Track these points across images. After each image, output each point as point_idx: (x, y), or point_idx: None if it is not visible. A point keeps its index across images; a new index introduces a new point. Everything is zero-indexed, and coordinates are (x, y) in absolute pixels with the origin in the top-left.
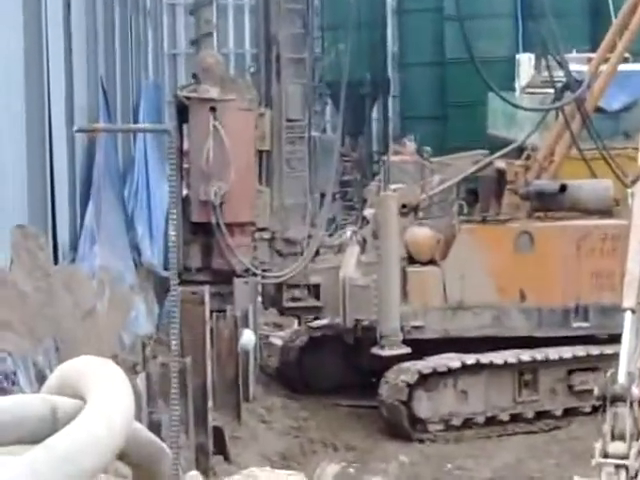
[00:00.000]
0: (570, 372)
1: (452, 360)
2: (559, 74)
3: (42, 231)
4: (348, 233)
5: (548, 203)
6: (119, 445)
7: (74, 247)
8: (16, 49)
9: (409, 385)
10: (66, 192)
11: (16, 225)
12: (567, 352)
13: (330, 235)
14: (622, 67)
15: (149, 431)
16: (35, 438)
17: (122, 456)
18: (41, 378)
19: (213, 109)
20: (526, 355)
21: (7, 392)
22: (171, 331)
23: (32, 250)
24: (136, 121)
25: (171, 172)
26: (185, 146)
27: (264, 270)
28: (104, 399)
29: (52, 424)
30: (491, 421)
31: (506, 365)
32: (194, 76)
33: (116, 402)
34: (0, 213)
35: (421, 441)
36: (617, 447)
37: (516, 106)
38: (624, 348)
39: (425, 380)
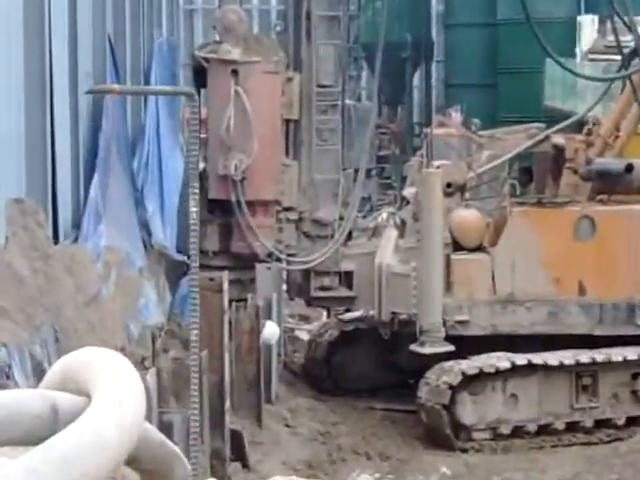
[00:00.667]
0: (635, 376)
1: (501, 360)
2: (626, 38)
3: (41, 206)
4: (385, 215)
5: (612, 184)
6: (128, 448)
7: (77, 225)
8: (14, 3)
9: (452, 387)
10: (68, 163)
11: (12, 199)
12: (632, 353)
13: (364, 217)
14: None
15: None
16: (33, 439)
17: (131, 460)
18: (39, 372)
19: (235, 72)
20: (585, 356)
21: (1, 387)
22: (192, 321)
23: (30, 227)
24: (148, 84)
25: (193, 140)
26: (202, 114)
27: (290, 255)
28: (112, 395)
29: (52, 423)
30: (544, 430)
31: (562, 367)
32: (214, 29)
33: (125, 399)
34: None
35: (465, 451)
36: None
37: (577, 74)
38: None
39: (470, 382)
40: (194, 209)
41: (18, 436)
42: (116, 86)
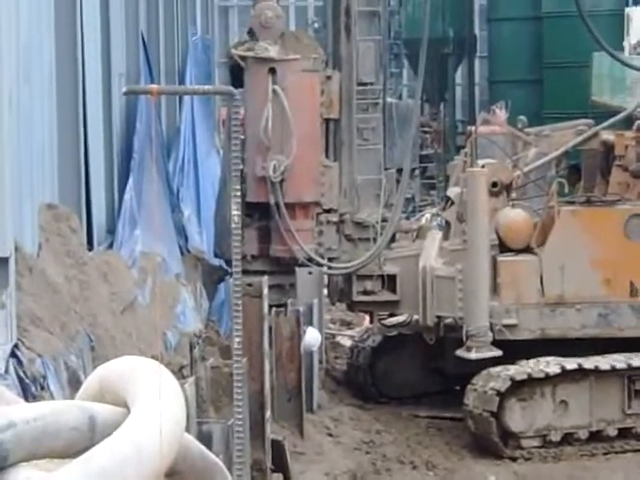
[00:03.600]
0: None
1: (550, 365)
2: None
3: (75, 212)
4: (429, 216)
5: None
6: (168, 460)
7: (111, 230)
8: (45, 2)
9: (500, 394)
10: (102, 167)
11: (45, 204)
12: None
13: (407, 218)
14: None
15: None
16: (71, 451)
17: (171, 473)
18: (75, 382)
19: (272, 70)
20: (637, 360)
21: (36, 398)
22: (234, 328)
23: (63, 234)
24: (182, 83)
25: (235, 141)
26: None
27: (331, 259)
28: (151, 407)
29: (90, 435)
30: (596, 436)
31: (614, 371)
32: (250, 32)
33: (165, 410)
34: (27, 190)
35: (514, 459)
36: None
37: (629, 65)
38: None
39: (518, 388)
40: (236, 212)
41: (56, 448)
42: (154, 86)
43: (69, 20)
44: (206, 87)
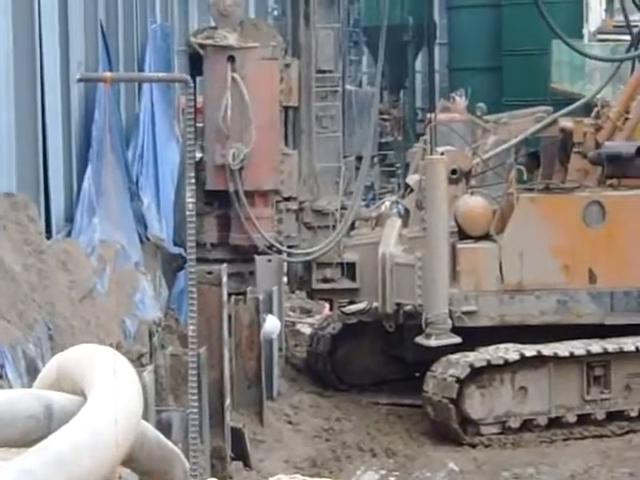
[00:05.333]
0: None
1: (509, 352)
2: (636, 17)
3: (33, 200)
4: (388, 203)
5: (622, 168)
6: (125, 448)
7: (70, 219)
8: None
9: (459, 380)
10: (60, 155)
11: (3, 193)
12: None
13: (367, 205)
14: None
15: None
16: (28, 440)
17: (129, 461)
18: (33, 370)
19: (231, 58)
20: (596, 346)
21: None
22: (189, 317)
23: (21, 222)
24: (141, 71)
25: (188, 129)
26: (199, 102)
27: (290, 246)
28: (108, 395)
29: (47, 423)
30: (555, 423)
31: (573, 358)
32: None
33: (122, 398)
34: None
35: (473, 446)
36: None
37: (586, 54)
38: None
39: (478, 375)
40: (190, 200)
41: (13, 437)
42: (108, 74)
43: (26, 8)
44: (161, 75)
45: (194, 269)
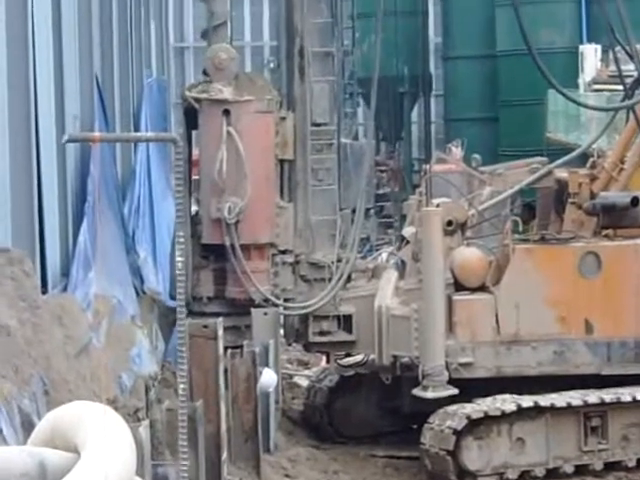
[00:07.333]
0: None
1: (506, 402)
2: (629, 68)
3: (28, 254)
4: (385, 255)
5: (618, 219)
6: None
7: (65, 273)
8: None
9: (456, 432)
10: (56, 209)
11: None
12: None
13: (363, 257)
14: None
15: None
16: None
17: None
18: (28, 426)
19: (227, 112)
20: (593, 396)
21: None
22: (178, 371)
23: (16, 277)
24: (137, 126)
25: (178, 186)
26: (194, 155)
27: (286, 299)
28: (101, 452)
29: None
30: (553, 474)
31: (570, 408)
32: (204, 73)
33: (115, 455)
34: None
35: None
36: None
37: (580, 104)
38: None
39: (475, 426)
40: (180, 259)
41: None
42: (97, 135)
43: (22, 63)
44: (149, 134)
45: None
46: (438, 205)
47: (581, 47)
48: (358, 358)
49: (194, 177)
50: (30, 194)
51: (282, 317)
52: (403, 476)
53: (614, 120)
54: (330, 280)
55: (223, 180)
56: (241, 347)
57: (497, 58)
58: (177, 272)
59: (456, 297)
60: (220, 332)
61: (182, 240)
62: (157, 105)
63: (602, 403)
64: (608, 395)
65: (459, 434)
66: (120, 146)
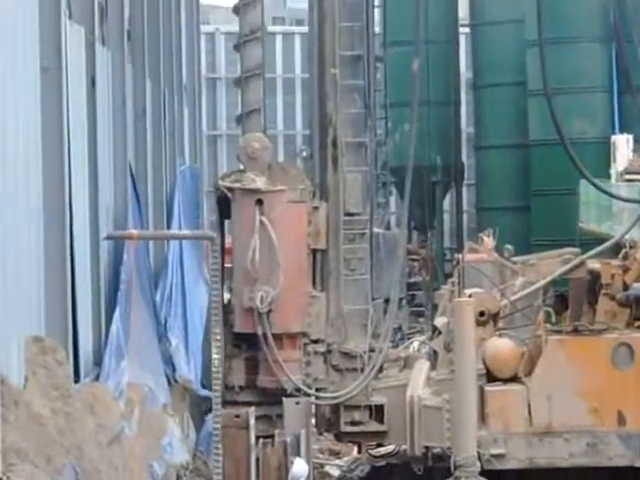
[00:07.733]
0: None
1: None
2: None
3: (61, 343)
4: (416, 344)
5: None
6: None
7: (98, 362)
8: (33, 133)
9: None
10: (89, 297)
11: (31, 337)
12: None
13: (395, 346)
14: None
15: None
16: None
17: None
18: None
19: (259, 202)
20: None
21: None
22: (213, 460)
23: (49, 366)
24: (170, 214)
25: (214, 279)
26: (227, 243)
27: (318, 389)
28: None
29: None
30: None
31: None
32: (239, 160)
33: None
34: (13, 321)
35: None
36: None
37: (612, 195)
38: None
39: None
40: (216, 357)
41: None
42: (134, 232)
43: (57, 152)
44: (187, 232)
45: (218, 420)
46: (470, 295)
47: (613, 137)
48: (390, 448)
49: (227, 265)
50: (63, 283)
51: (313, 406)
52: None
53: None
54: (362, 370)
55: (256, 269)
56: (272, 436)
57: (529, 147)
58: (213, 369)
59: (488, 388)
60: (252, 422)
61: (218, 338)
62: (190, 193)
63: None
64: None
65: None
66: None
